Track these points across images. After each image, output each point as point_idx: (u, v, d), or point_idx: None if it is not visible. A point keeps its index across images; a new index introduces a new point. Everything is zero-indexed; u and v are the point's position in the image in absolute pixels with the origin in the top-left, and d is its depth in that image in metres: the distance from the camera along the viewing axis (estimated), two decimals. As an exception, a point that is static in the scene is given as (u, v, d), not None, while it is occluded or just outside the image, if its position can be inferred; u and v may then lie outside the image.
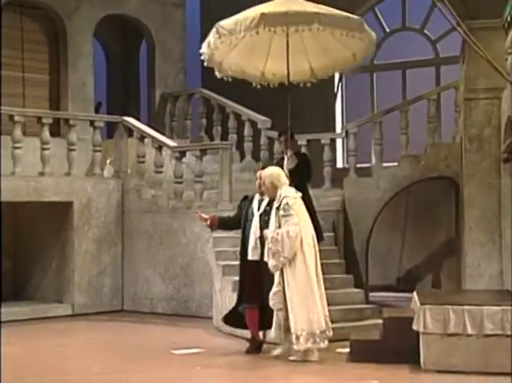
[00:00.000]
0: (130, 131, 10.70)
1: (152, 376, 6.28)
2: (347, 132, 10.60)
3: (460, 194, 9.26)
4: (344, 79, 13.31)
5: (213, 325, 8.57)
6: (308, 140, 10.63)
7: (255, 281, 6.90)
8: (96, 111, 12.39)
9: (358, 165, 10.50)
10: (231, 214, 7.70)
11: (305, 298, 6.54)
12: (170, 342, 7.75)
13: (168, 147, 10.29)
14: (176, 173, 10.03)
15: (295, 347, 6.55)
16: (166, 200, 10.15)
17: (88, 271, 10.16)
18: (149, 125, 11.24)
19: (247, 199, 7.33)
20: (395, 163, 10.19)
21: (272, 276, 6.68)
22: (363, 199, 10.12)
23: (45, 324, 9.27)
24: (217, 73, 8.26)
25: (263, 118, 11.10)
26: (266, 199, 6.96)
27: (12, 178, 9.63)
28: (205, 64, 8.12)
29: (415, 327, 6.23)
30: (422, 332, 6.17)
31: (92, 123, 10.50)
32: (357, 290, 8.72)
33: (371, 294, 10.02)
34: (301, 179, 7.95)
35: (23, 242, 10.73)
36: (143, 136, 10.50)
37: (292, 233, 6.56)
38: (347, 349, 6.80)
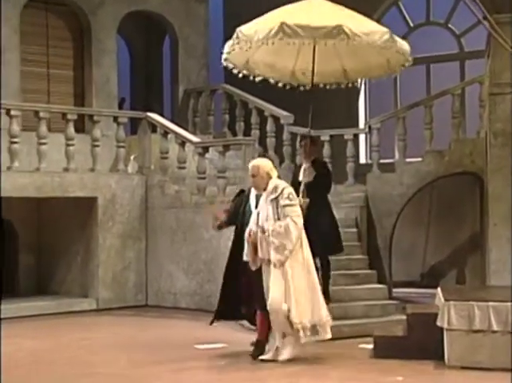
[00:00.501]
0: (153, 127, 10.76)
1: (175, 370, 6.30)
2: (370, 127, 10.57)
3: (485, 189, 9.19)
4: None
5: (236, 321, 8.59)
6: (331, 136, 10.63)
7: (259, 283, 6.45)
8: (120, 107, 12.45)
9: (381, 161, 10.47)
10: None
11: (303, 292, 6.35)
12: (193, 337, 7.78)
13: (191, 142, 10.33)
14: (199, 169, 10.06)
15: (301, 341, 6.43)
16: (189, 196, 10.19)
17: (113, 266, 10.24)
18: (172, 121, 11.27)
19: (244, 194, 6.96)
20: (419, 159, 10.14)
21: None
22: (386, 195, 10.09)
23: (71, 318, 9.36)
24: (242, 73, 7.95)
25: (286, 114, 11.08)
26: (264, 195, 6.56)
27: (37, 174, 9.73)
28: (224, 64, 7.80)
29: (439, 323, 6.21)
30: (446, 328, 6.14)
31: (115, 119, 10.56)
32: (380, 286, 8.72)
33: (394, 289, 9.97)
34: (320, 192, 7.69)
35: (48, 238, 10.84)
36: (166, 132, 10.55)
37: (300, 225, 6.33)
38: (370, 345, 6.81)
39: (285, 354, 6.45)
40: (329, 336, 6.53)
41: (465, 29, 12.49)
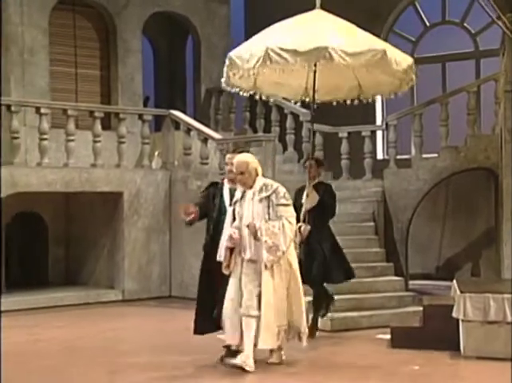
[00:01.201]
0: (177, 124, 10.99)
1: (198, 359, 6.44)
2: (387, 124, 10.73)
3: (499, 184, 9.37)
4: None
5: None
6: (349, 133, 10.85)
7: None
8: (145, 105, 12.67)
9: (398, 156, 10.61)
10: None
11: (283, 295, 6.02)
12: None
13: (213, 139, 10.57)
14: (221, 165, 10.25)
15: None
16: (211, 191, 10.44)
17: (138, 259, 10.52)
18: (195, 118, 11.47)
19: (217, 187, 6.30)
20: (435, 155, 10.29)
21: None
22: (403, 190, 10.25)
23: (98, 309, 9.64)
24: (250, 92, 7.72)
25: (305, 111, 11.27)
26: (239, 190, 6.02)
27: (65, 169, 10.01)
28: (228, 89, 7.56)
29: (455, 315, 6.34)
30: (462, 319, 6.29)
31: (140, 116, 10.82)
32: (397, 278, 8.86)
33: (410, 282, 10.11)
34: (323, 218, 7.26)
35: (76, 231, 11.15)
36: (189, 129, 10.78)
37: (294, 226, 6.04)
38: (387, 336, 6.97)
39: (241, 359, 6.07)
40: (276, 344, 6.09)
41: (480, 28, 12.54)
